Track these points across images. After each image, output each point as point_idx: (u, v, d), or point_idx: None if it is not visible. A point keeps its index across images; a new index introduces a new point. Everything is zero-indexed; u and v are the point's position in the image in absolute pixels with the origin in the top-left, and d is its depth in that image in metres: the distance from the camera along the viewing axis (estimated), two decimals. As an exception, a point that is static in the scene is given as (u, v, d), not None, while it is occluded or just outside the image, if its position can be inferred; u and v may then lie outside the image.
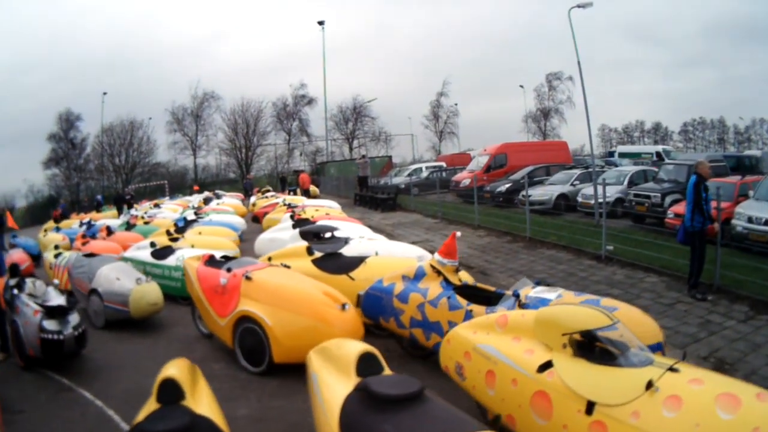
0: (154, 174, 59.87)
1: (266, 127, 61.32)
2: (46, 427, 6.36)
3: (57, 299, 8.38)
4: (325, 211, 19.07)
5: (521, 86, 64.83)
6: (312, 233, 12.01)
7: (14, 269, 10.18)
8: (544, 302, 6.04)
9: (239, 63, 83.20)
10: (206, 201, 30.61)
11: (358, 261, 9.28)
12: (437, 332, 6.75)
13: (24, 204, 55.29)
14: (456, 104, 64.19)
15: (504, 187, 23.92)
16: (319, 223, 14.44)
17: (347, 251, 10.66)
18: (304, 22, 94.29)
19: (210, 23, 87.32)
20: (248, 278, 7.76)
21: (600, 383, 4.11)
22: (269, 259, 9.92)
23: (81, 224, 23.19)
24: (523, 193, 21.38)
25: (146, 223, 21.04)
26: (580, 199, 19.02)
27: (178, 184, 55.17)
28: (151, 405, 4.00)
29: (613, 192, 18.02)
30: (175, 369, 4.34)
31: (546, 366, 4.44)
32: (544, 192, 20.83)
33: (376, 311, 7.71)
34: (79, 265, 11.53)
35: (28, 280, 9.27)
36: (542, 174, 24.62)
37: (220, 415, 4.04)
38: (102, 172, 59.48)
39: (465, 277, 7.98)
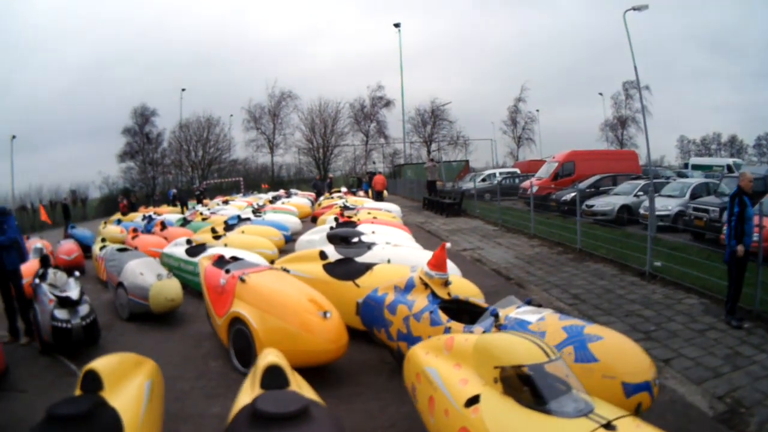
0: (231, 171, 60.74)
1: (343, 128, 61.42)
2: (40, 405, 6.21)
3: (73, 291, 8.65)
4: (379, 214, 18.64)
5: (600, 94, 62.78)
6: (338, 237, 11.62)
7: (44, 259, 10.30)
8: (522, 324, 5.47)
9: (317, 63, 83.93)
10: (274, 199, 30.72)
11: (365, 268, 8.94)
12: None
13: (98, 195, 56.76)
14: (537, 110, 62.56)
15: (569, 195, 22.87)
16: (361, 227, 14.09)
17: (367, 257, 10.41)
18: (382, 24, 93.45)
19: (289, 24, 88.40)
20: (242, 280, 7.71)
21: (521, 431, 3.62)
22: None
23: (143, 218, 23.59)
24: (588, 202, 20.53)
25: (204, 219, 21.11)
26: (641, 211, 17.88)
27: (255, 182, 55.66)
28: (76, 392, 4.15)
29: (674, 205, 16.88)
30: (103, 361, 4.43)
31: (473, 401, 4.06)
32: (607, 202, 19.74)
33: (371, 321, 7.38)
34: (111, 258, 12.05)
35: (50, 271, 9.44)
36: (608, 183, 23.50)
37: (135, 410, 4.06)
38: (180, 167, 60.72)
39: (471, 290, 8.04)
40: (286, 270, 9.07)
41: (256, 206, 24.56)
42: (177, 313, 10.42)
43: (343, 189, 34.33)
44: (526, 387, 3.87)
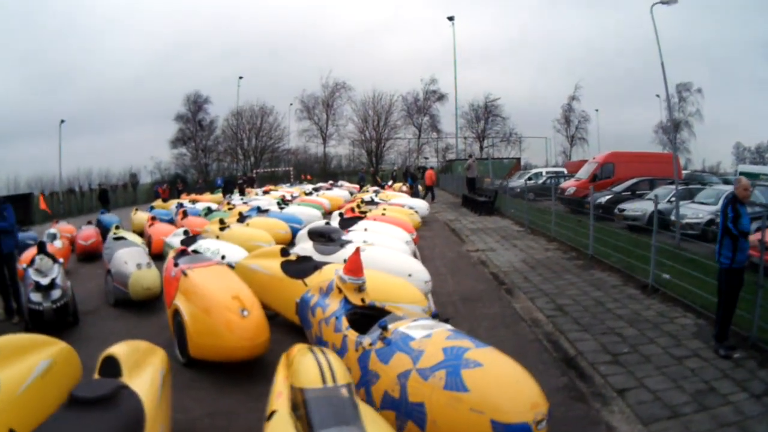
0: (283, 160, 60.23)
1: (396, 121, 59.87)
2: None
3: (50, 276, 9.24)
4: (397, 210, 17.73)
5: (657, 96, 59.58)
6: (317, 233, 10.85)
7: (40, 245, 10.70)
8: (405, 340, 4.72)
9: (373, 55, 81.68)
10: (315, 190, 30.11)
11: (314, 267, 8.43)
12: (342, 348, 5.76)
13: (149, 180, 56.41)
14: (597, 110, 59.59)
15: (604, 198, 21.31)
16: (362, 223, 13.50)
17: (339, 255, 9.94)
18: (437, 18, 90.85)
19: (350, 16, 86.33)
20: (185, 274, 7.72)
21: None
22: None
23: (177, 206, 23.26)
24: (620, 206, 19.02)
25: (230, 209, 20.59)
26: (672, 218, 16.29)
27: (307, 172, 55.11)
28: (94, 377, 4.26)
29: (705, 213, 15.28)
30: (121, 348, 4.58)
31: (271, 416, 3.76)
32: (639, 207, 18.13)
33: (302, 321, 7.23)
34: (106, 246, 12.72)
35: (37, 257, 9.82)
36: (646, 187, 21.74)
37: (153, 395, 4.06)
38: (233, 155, 60.56)
39: (412, 296, 7.54)
40: (231, 266, 8.90)
41: (284, 198, 23.73)
42: (160, 302, 10.10)
43: (378, 186, 33.23)
44: (304, 412, 3.49)
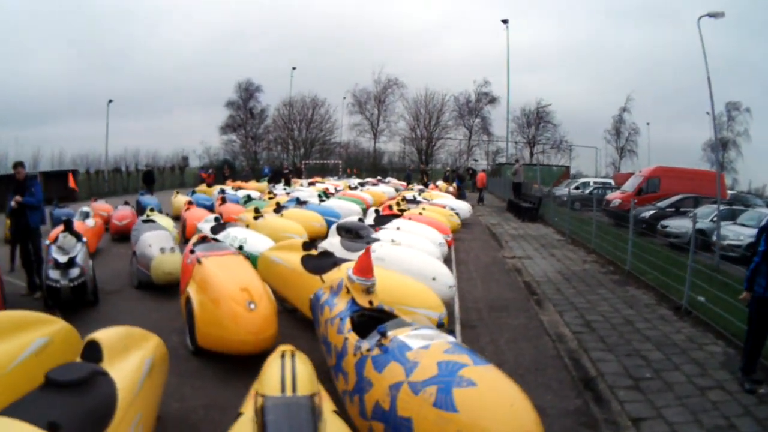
0: (332, 153, 60.07)
1: (447, 121, 59.22)
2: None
3: (71, 255, 9.26)
4: (436, 211, 17.55)
5: (707, 113, 57.29)
6: (345, 229, 10.73)
7: (67, 223, 10.65)
8: (402, 348, 4.46)
9: (428, 53, 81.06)
10: (362, 185, 30.07)
11: (333, 264, 8.20)
12: (329, 353, 5.82)
13: (197, 165, 56.29)
14: (648, 123, 57.73)
15: (648, 213, 20.73)
16: (396, 221, 13.32)
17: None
18: (492, 21, 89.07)
19: (407, 14, 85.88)
20: (199, 262, 7.71)
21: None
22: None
23: (219, 192, 23.43)
24: (663, 222, 18.49)
25: (270, 198, 20.64)
26: (714, 238, 15.72)
27: (356, 166, 54.96)
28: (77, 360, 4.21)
29: (747, 235, 14.70)
30: (106, 333, 4.51)
31: (237, 417, 3.61)
32: (681, 225, 17.55)
33: (314, 317, 6.95)
34: (135, 228, 12.81)
35: (61, 235, 9.96)
36: (690, 204, 21.06)
37: (132, 383, 3.99)
38: (284, 145, 60.56)
39: (429, 301, 7.35)
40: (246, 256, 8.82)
41: (324, 191, 23.70)
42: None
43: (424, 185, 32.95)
44: (261, 419, 3.35)
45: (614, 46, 74.58)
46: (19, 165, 10.26)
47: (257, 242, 10.94)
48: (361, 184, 31.41)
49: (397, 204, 18.00)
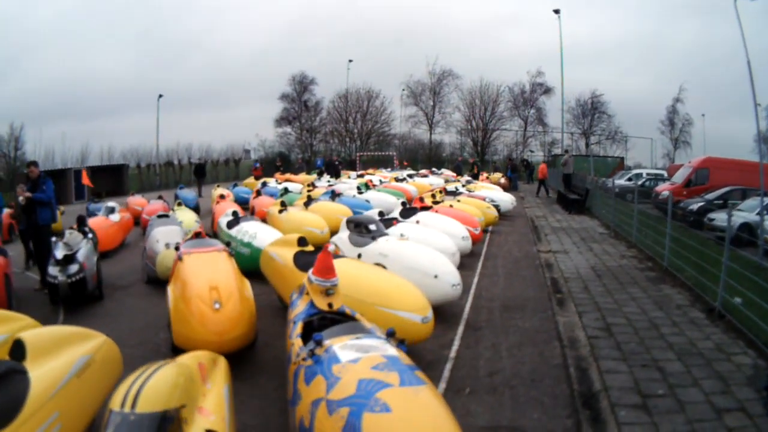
0: (388, 144, 59.04)
1: (503, 112, 57.21)
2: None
3: (73, 251, 9.15)
4: (473, 203, 16.70)
5: (758, 104, 53.45)
6: (355, 222, 10.06)
7: (80, 219, 10.96)
8: (331, 361, 3.82)
9: (482, 45, 78.47)
10: (410, 176, 29.44)
11: None
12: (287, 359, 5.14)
13: (252, 157, 55.34)
14: (703, 115, 54.41)
15: (696, 205, 19.30)
16: (417, 215, 12.78)
17: (369, 248, 9.31)
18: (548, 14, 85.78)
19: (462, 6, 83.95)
20: (180, 259, 7.52)
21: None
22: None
23: (261, 185, 23.23)
24: (710, 215, 17.11)
25: (309, 191, 20.18)
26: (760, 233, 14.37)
27: (412, 158, 54.04)
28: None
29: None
30: (36, 332, 4.44)
31: None
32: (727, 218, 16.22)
33: None
34: (150, 223, 12.65)
35: (67, 231, 10.10)
36: (737, 197, 19.46)
37: (51, 383, 3.82)
38: (339, 137, 59.78)
39: (412, 302, 6.60)
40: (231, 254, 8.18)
41: (366, 183, 23.03)
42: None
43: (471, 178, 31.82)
44: None
45: (669, 39, 71.04)
46: (32, 164, 10.19)
47: (267, 237, 10.42)
48: (410, 176, 30.61)
49: (432, 196, 17.20)
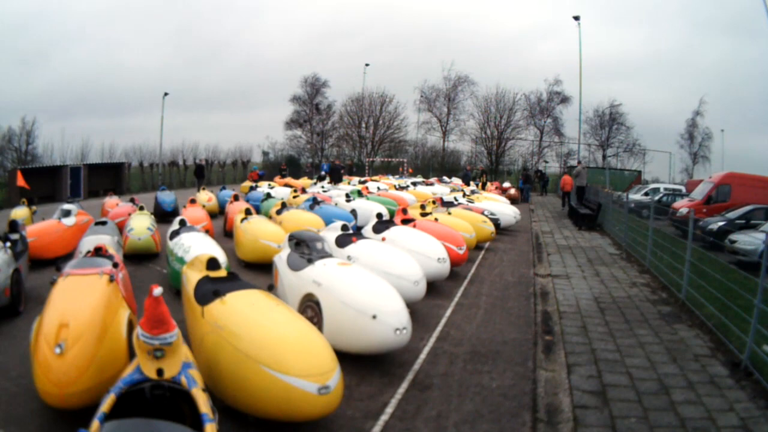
0: (400, 151, 56.61)
1: (518, 121, 54.56)
2: None
3: None
4: (466, 216, 14.90)
5: None
6: (297, 240, 8.25)
7: (12, 225, 10.23)
8: None
9: (488, 42, 75.13)
10: (414, 184, 27.93)
11: (214, 294, 5.91)
12: None
13: (260, 160, 53.45)
14: (722, 130, 51.27)
15: (716, 225, 17.23)
16: (390, 231, 10.88)
17: (305, 273, 7.47)
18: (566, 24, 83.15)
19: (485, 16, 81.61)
20: (53, 282, 6.14)
21: None
22: None
23: (250, 188, 22.11)
24: (731, 237, 15.09)
25: (295, 197, 18.74)
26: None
27: (423, 165, 51.98)
28: None
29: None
30: None
31: None
32: (752, 240, 14.17)
33: None
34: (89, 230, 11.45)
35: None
36: (761, 216, 17.54)
37: None
38: (350, 142, 57.68)
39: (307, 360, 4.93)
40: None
41: (357, 191, 21.20)
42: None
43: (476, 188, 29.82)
44: None
45: (693, 56, 68.66)
46: None
47: (200, 253, 8.67)
48: (414, 184, 28.76)
49: (421, 207, 15.33)
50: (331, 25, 79.49)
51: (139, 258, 12.11)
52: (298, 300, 7.25)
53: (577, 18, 39.32)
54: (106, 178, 35.23)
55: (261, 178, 33.16)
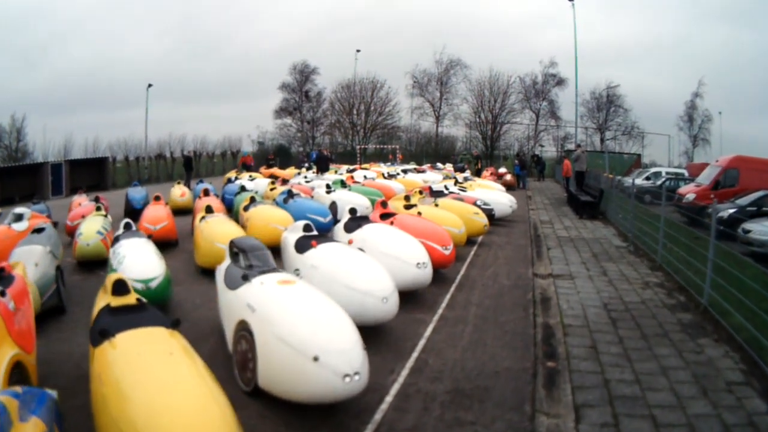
0: (393, 137, 54.55)
1: (513, 104, 52.81)
2: None
3: None
4: (453, 207, 13.41)
5: None
6: (236, 248, 6.77)
7: None
8: None
9: (483, 29, 73.76)
10: (404, 172, 26.56)
11: (102, 334, 4.55)
12: None
13: (251, 150, 51.08)
14: (720, 113, 49.60)
15: (727, 212, 15.72)
16: (363, 229, 9.52)
17: (240, 292, 5.99)
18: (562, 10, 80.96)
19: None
20: None
21: None
22: None
23: (229, 180, 21.03)
24: (745, 226, 13.74)
25: (272, 189, 17.42)
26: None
27: (416, 152, 50.46)
28: None
29: None
30: None
31: None
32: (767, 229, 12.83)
33: None
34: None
35: None
36: (774, 203, 16.10)
37: None
38: (342, 129, 56.08)
39: None
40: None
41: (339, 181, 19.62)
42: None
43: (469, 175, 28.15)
44: None
45: (692, 41, 67.04)
46: None
47: (134, 265, 7.60)
48: (405, 171, 27.23)
49: (405, 198, 13.80)
50: (323, 16, 78.13)
51: (91, 265, 10.65)
52: (232, 327, 5.77)
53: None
54: (90, 173, 34.00)
55: (251, 166, 31.98)
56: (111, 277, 5.67)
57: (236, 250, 6.81)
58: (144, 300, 5.52)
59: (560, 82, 50.80)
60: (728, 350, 6.81)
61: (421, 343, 7.01)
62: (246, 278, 5.96)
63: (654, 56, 67.65)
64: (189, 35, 73.40)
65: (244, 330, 5.42)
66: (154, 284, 7.55)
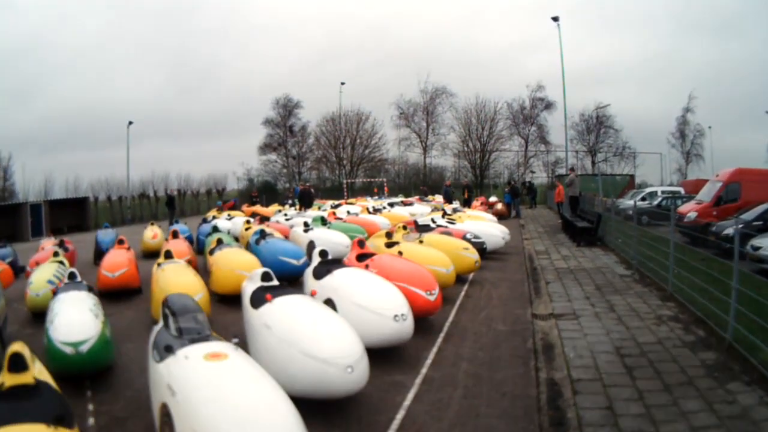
0: (380, 170, 53.87)
1: (501, 131, 51.98)
2: None
3: None
4: (439, 242, 12.45)
5: (766, 112, 48.62)
6: (167, 308, 5.82)
7: None
8: None
9: (470, 57, 73.63)
10: (390, 205, 25.72)
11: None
12: None
13: (236, 187, 51.17)
14: (710, 127, 49.16)
15: (731, 229, 14.70)
16: (346, 271, 8.66)
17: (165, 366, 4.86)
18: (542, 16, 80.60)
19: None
20: None
21: None
22: None
23: (203, 221, 20.81)
24: (754, 242, 12.87)
25: (247, 229, 16.82)
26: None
27: (403, 184, 49.61)
28: None
29: None
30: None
31: None
32: (774, 245, 11.94)
33: None
34: None
35: None
36: (779, 217, 15.28)
37: None
38: (327, 164, 55.25)
39: None
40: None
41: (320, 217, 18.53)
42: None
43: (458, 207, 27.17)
44: None
45: (678, 58, 67.28)
46: None
47: (62, 326, 6.76)
48: (391, 204, 26.23)
49: (387, 236, 12.66)
50: (306, 49, 78.80)
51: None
52: (156, 410, 4.64)
53: (556, 19, 37.27)
54: (70, 213, 33.83)
55: (235, 206, 31.36)
56: (12, 348, 4.49)
57: (166, 311, 5.66)
58: (45, 380, 4.41)
59: (548, 105, 50.19)
60: (763, 395, 5.72)
61: (399, 416, 5.70)
62: (169, 350, 4.77)
63: (642, 74, 67.89)
64: (172, 74, 74.20)
65: (166, 416, 4.24)
66: (85, 348, 6.44)
